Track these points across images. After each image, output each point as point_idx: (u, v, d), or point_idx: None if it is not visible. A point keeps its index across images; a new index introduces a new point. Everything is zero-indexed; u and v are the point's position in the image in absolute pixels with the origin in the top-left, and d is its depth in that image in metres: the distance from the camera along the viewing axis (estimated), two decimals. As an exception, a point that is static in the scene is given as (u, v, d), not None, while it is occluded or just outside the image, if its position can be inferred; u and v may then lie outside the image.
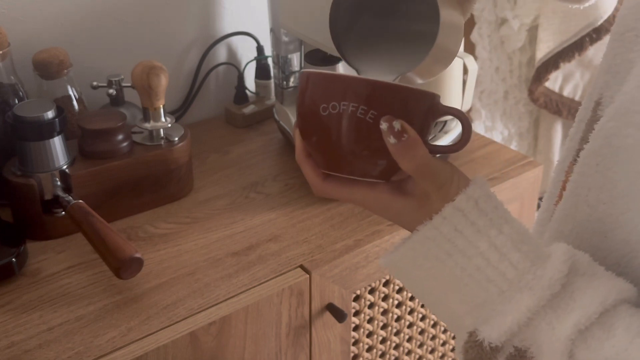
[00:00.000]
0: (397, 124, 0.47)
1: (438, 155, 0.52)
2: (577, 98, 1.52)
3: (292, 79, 1.05)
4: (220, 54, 1.18)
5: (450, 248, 0.48)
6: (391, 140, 0.47)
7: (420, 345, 1.02)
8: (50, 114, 0.82)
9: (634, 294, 0.46)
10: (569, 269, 0.46)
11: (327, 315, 0.85)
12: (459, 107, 1.05)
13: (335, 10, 0.55)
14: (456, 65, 1.03)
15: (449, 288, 0.49)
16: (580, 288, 0.45)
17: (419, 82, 0.55)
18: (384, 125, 0.47)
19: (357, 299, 0.90)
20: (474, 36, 1.48)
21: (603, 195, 0.47)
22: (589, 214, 0.49)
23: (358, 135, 0.49)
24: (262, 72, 1.18)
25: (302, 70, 0.53)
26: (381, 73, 0.55)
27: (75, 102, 0.95)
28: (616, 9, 1.37)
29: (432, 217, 0.48)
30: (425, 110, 0.50)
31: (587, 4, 0.66)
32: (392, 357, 1.00)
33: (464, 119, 0.51)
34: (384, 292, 0.92)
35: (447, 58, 0.56)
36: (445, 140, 1.02)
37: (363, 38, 0.56)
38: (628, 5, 0.51)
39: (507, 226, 0.47)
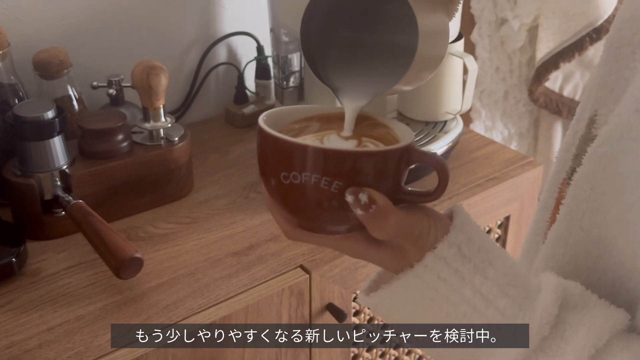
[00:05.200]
0: (363, 196, 0.44)
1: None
2: (577, 98, 1.52)
3: (292, 79, 1.05)
4: (220, 54, 1.18)
5: (434, 295, 0.46)
6: (359, 212, 0.45)
7: (420, 345, 1.02)
8: (50, 114, 0.82)
9: (627, 322, 0.45)
10: (559, 307, 0.45)
11: (327, 315, 0.85)
12: (459, 107, 1.05)
13: (305, 27, 0.50)
14: (456, 65, 1.03)
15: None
16: (572, 326, 0.44)
17: (407, 89, 0.52)
18: (349, 198, 0.45)
19: (357, 299, 0.90)
20: (474, 36, 1.48)
21: (597, 218, 0.46)
22: (583, 237, 0.48)
23: (324, 205, 0.46)
24: (262, 72, 1.18)
25: (258, 121, 0.49)
26: (361, 91, 0.51)
27: (75, 102, 0.95)
28: (616, 9, 1.37)
29: (412, 265, 0.46)
30: (395, 165, 0.47)
31: None
32: (392, 357, 1.00)
33: (440, 166, 0.47)
34: (384, 292, 0.92)
35: (434, 64, 0.53)
36: (445, 140, 1.02)
37: (339, 55, 0.52)
38: (623, 17, 0.48)
39: (492, 270, 0.46)
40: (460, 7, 0.52)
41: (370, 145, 0.49)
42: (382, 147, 0.49)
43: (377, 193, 0.45)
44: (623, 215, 0.45)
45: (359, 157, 0.45)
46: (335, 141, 0.50)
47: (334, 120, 0.52)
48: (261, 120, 0.48)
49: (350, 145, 0.49)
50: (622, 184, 0.44)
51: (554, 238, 0.51)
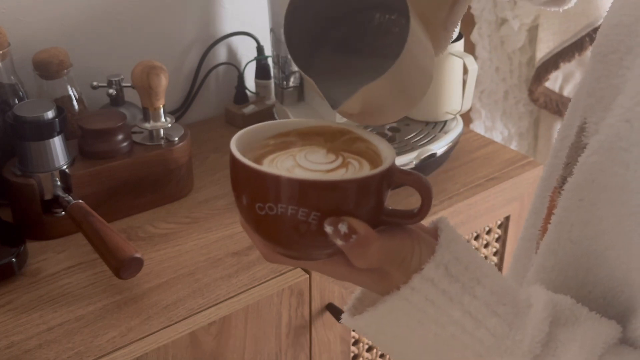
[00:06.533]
0: (343, 227, 0.43)
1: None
2: (577, 98, 1.52)
3: (292, 79, 1.05)
4: (220, 54, 1.18)
5: (422, 317, 0.45)
6: (339, 242, 0.43)
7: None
8: (50, 114, 0.82)
9: (619, 335, 0.45)
10: (550, 324, 0.44)
11: (327, 315, 0.85)
12: (459, 107, 1.05)
13: (289, 35, 0.48)
14: (456, 65, 1.03)
15: (421, 351, 0.47)
16: (563, 343, 0.44)
17: (390, 120, 0.50)
18: (328, 229, 0.43)
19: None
20: (474, 36, 1.48)
21: (587, 230, 0.46)
22: (572, 249, 0.47)
23: (302, 234, 0.44)
24: (262, 72, 1.18)
25: (230, 145, 0.46)
26: (345, 86, 0.49)
27: (75, 102, 0.95)
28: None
29: (398, 288, 0.45)
30: (376, 190, 0.45)
31: (566, 7, 0.63)
32: (392, 357, 1.00)
33: (423, 187, 0.45)
34: (384, 292, 0.92)
35: (417, 86, 0.50)
36: (445, 140, 1.02)
37: (325, 53, 0.50)
38: (610, 23, 0.48)
39: (480, 288, 0.45)
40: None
41: (354, 163, 0.47)
42: (364, 171, 0.46)
43: (357, 222, 0.43)
44: (614, 227, 0.44)
45: (336, 186, 0.43)
46: (316, 158, 0.47)
47: (311, 135, 0.50)
48: (233, 145, 0.46)
49: (331, 166, 0.47)
50: (613, 197, 0.43)
51: (545, 249, 0.50)
